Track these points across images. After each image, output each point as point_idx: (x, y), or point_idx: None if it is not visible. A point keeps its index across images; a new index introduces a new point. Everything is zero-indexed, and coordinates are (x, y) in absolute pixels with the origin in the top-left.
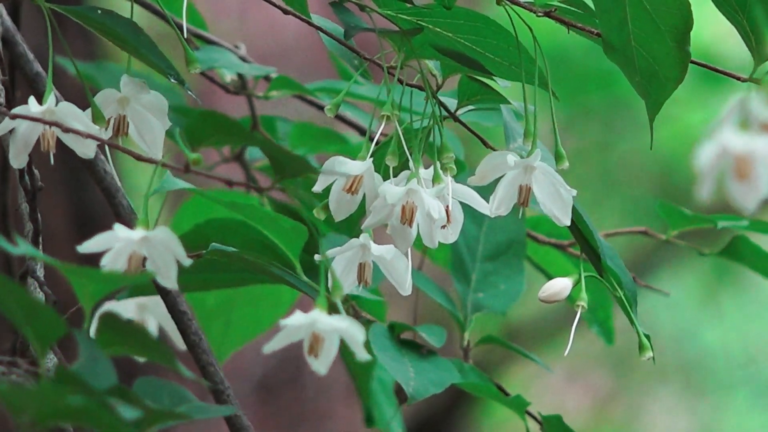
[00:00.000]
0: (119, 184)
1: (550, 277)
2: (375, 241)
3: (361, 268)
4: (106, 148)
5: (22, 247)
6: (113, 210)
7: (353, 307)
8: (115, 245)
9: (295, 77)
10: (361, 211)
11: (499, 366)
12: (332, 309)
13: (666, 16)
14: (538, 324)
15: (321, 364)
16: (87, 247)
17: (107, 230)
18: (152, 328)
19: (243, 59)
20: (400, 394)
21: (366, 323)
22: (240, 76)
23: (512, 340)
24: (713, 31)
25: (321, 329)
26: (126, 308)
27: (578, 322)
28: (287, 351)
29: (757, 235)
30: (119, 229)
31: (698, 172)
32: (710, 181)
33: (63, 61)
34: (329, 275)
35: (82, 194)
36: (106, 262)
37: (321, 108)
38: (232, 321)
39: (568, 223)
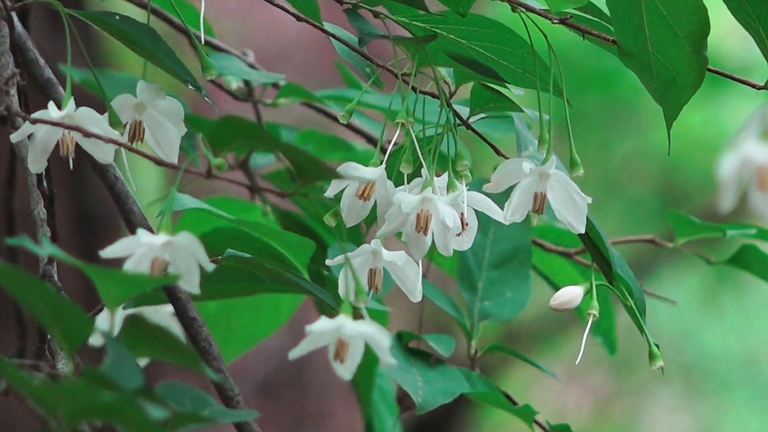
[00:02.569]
0: (130, 189)
1: (555, 285)
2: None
3: (372, 274)
4: (122, 153)
5: (47, 248)
6: (124, 216)
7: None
8: (138, 250)
9: (295, 78)
10: (371, 218)
11: (499, 368)
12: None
13: (683, 22)
14: (537, 326)
15: (346, 369)
16: (110, 252)
17: (110, 235)
18: None
19: (251, 66)
20: (401, 402)
21: None
22: (246, 83)
23: (512, 343)
24: (712, 30)
25: (347, 335)
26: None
27: (579, 329)
28: (288, 352)
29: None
30: (142, 234)
31: (720, 183)
32: (732, 192)
33: (65, 68)
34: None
35: (84, 200)
36: (128, 267)
37: (328, 115)
38: (232, 327)
39: (583, 231)
